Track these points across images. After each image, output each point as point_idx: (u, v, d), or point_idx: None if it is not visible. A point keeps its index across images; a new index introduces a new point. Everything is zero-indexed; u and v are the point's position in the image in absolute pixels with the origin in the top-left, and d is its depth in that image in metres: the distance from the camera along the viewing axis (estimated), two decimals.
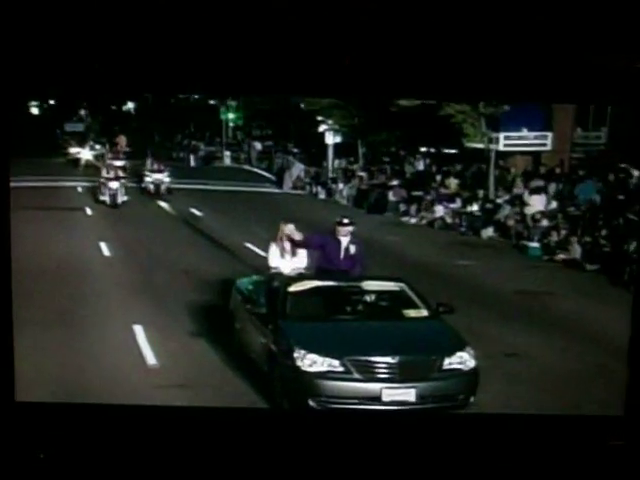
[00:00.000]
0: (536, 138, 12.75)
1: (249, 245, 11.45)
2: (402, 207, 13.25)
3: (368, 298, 8.95)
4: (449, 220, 12.71)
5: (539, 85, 6.03)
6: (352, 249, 9.44)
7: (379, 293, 8.96)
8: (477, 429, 5.88)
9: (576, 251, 11.29)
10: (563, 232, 11.58)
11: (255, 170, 15.17)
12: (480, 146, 12.90)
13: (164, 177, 13.73)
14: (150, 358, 8.56)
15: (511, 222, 12.15)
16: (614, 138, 12.52)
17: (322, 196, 14.04)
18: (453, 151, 13.74)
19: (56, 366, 8.08)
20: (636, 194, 11.33)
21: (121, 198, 13.17)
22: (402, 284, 8.92)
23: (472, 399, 7.80)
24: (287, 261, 9.47)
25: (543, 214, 11.99)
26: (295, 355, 7.64)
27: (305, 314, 8.50)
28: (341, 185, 13.91)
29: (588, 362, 8.63)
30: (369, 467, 6.97)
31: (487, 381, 8.07)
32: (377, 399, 7.51)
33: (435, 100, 11.42)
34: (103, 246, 11.67)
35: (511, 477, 6.67)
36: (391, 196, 13.42)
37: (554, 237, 11.60)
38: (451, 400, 7.72)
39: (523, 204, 12.12)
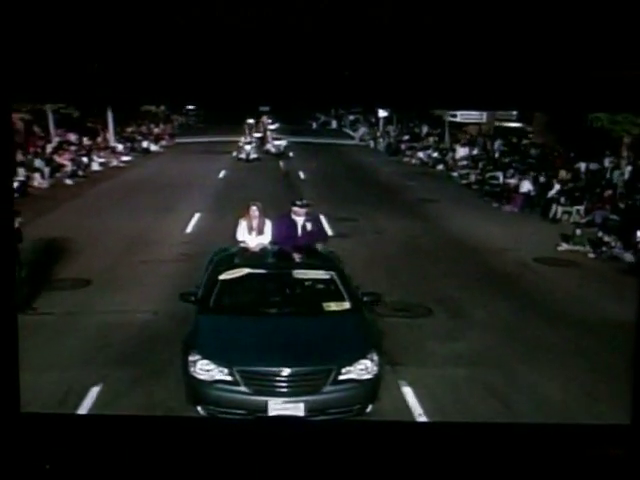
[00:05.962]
0: (478, 115, 21.83)
1: (300, 173, 20.40)
2: (407, 152, 23.21)
3: (295, 288, 8.91)
4: (425, 160, 22.40)
5: (539, 94, 5.09)
6: (308, 226, 9.86)
7: (307, 282, 8.94)
8: (469, 439, 5.32)
9: (471, 179, 20.47)
10: (469, 168, 20.82)
11: (346, 131, 26.01)
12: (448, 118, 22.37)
13: (282, 142, 22.90)
14: (189, 229, 14.60)
15: (450, 162, 21.57)
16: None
17: (372, 146, 24.48)
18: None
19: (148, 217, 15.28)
20: (514, 147, 20.35)
21: (253, 156, 21.78)
22: (332, 272, 8.87)
23: (369, 408, 7.49)
24: (253, 237, 9.98)
25: (464, 158, 21.26)
26: (190, 358, 7.50)
27: (225, 308, 8.49)
28: (381, 140, 24.22)
29: (411, 235, 17.36)
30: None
31: (357, 245, 12.91)
32: (264, 412, 7.23)
33: (438, 109, 20.21)
34: (222, 172, 20.38)
35: None
36: (403, 146, 23.42)
37: (465, 170, 20.89)
38: (345, 411, 7.43)
39: (455, 152, 21.52)
